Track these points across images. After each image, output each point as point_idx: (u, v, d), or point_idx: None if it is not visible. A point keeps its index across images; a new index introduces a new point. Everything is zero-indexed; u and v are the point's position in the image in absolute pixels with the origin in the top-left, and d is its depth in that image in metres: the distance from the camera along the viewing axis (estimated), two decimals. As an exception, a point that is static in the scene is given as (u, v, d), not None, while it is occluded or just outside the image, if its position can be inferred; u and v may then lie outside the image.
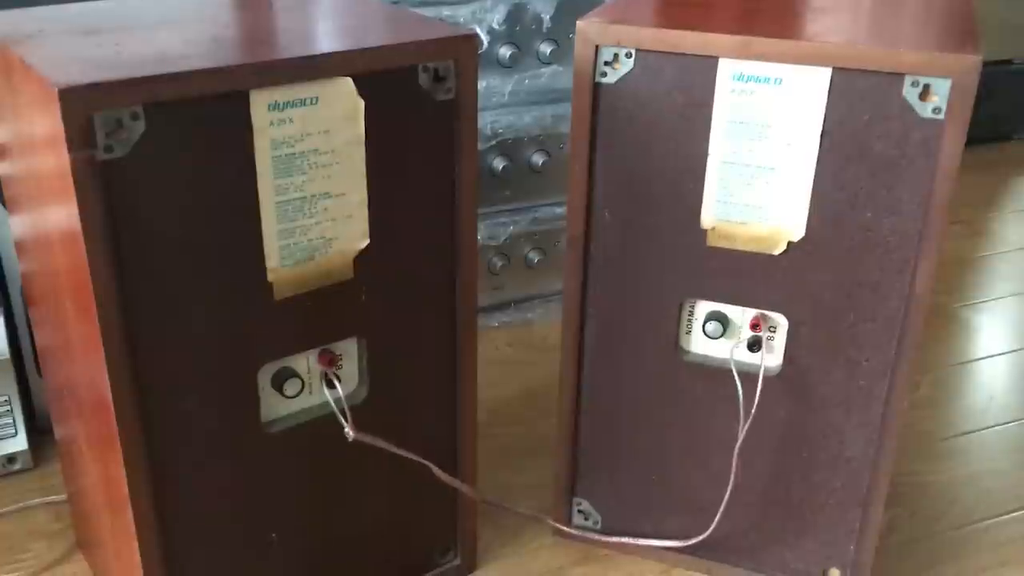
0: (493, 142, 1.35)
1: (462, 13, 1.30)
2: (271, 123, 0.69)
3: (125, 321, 0.67)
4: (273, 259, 0.73)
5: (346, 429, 0.79)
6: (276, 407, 0.79)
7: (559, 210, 1.43)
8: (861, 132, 0.78)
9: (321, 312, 0.77)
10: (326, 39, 0.75)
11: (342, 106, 0.72)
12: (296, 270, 0.75)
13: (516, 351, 1.39)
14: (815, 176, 0.80)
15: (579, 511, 1.01)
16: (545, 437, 1.14)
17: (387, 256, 0.79)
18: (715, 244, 0.85)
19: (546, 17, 1.34)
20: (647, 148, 0.84)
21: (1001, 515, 1.09)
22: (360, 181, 0.75)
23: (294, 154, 0.71)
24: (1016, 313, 1.56)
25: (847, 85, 0.77)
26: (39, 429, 1.13)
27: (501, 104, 1.36)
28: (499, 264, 1.42)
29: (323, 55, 0.70)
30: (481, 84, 1.32)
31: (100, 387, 0.70)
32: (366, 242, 0.77)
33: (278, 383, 0.78)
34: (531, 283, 1.46)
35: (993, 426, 1.26)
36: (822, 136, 0.79)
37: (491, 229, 1.40)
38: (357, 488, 0.86)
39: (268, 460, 0.79)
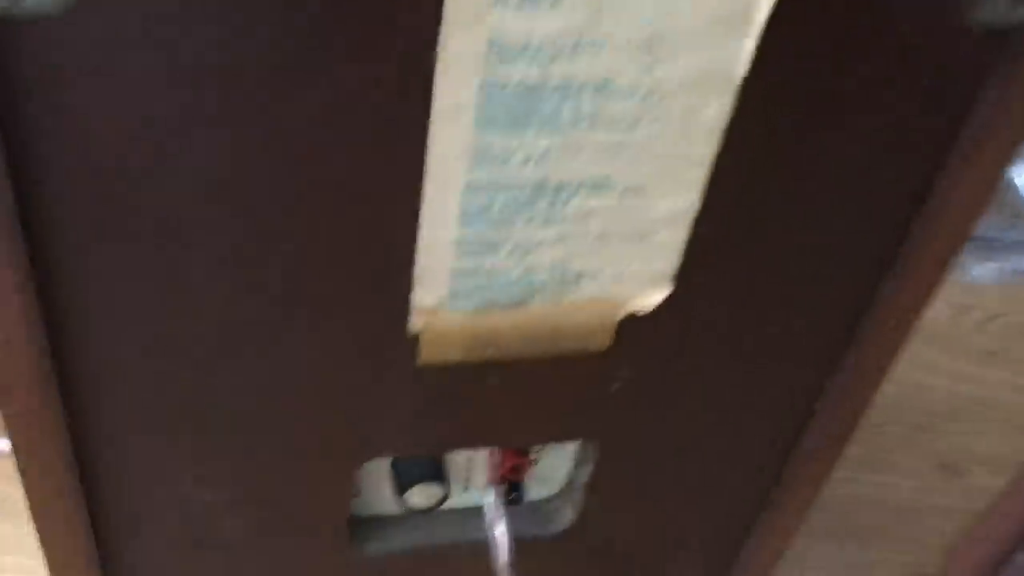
0: None
1: None
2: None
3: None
4: (433, 292, 0.31)
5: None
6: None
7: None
8: None
9: (511, 398, 0.35)
10: None
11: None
12: (480, 318, 0.32)
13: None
14: None
15: None
16: None
17: (709, 309, 0.34)
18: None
19: None
20: None
21: None
22: (701, 155, 0.29)
23: (543, 86, 0.26)
24: None
25: None
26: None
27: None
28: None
29: None
30: None
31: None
32: (669, 289, 0.32)
33: (403, 482, 0.38)
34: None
35: None
36: None
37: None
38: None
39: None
